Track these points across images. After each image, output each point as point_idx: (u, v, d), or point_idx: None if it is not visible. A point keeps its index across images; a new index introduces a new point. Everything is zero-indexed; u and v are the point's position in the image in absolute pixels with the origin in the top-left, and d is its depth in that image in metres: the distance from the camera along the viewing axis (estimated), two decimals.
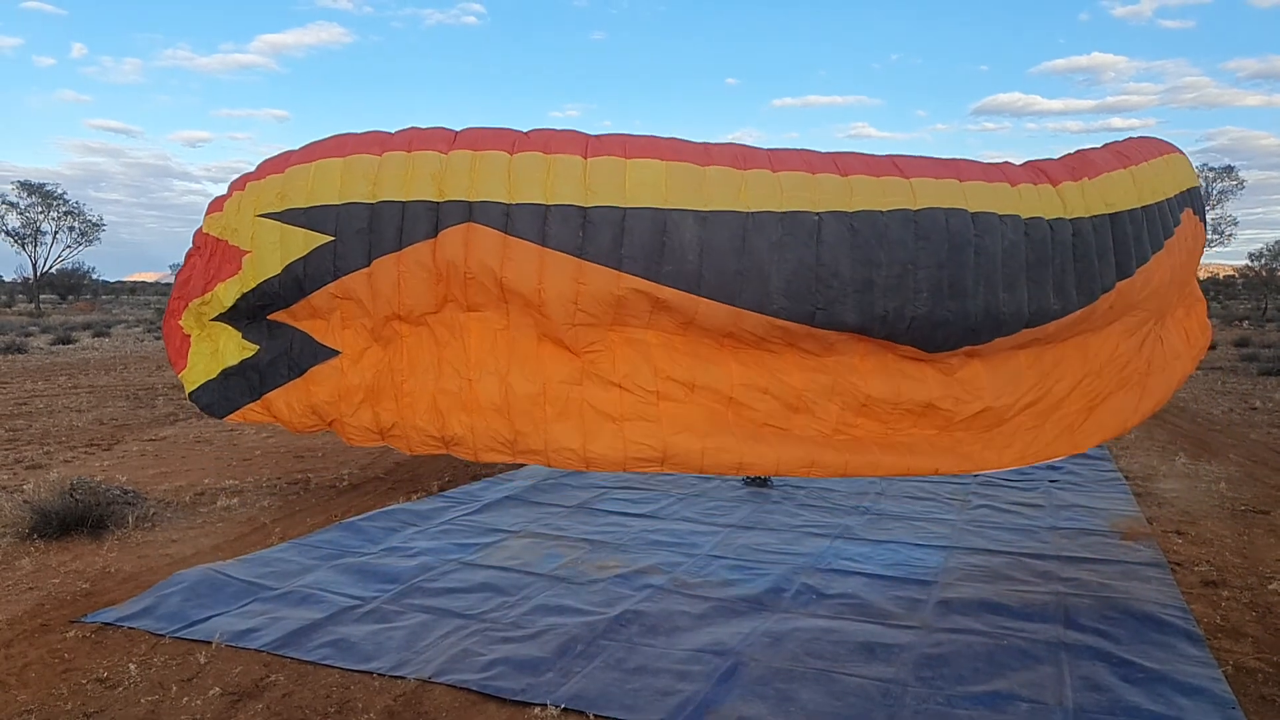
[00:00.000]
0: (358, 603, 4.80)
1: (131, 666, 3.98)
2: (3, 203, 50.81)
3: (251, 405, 5.90)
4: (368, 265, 5.38)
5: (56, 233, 52.86)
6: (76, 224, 53.12)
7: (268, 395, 5.83)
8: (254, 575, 5.15)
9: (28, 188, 51.40)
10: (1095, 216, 5.56)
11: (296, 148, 5.85)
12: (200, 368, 5.95)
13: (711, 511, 6.88)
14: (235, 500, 7.06)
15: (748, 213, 5.10)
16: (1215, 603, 4.98)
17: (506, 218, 5.12)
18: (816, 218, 5.12)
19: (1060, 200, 5.52)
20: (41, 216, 52.00)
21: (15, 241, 51.85)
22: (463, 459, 5.64)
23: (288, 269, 5.53)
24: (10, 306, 53.96)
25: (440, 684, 3.89)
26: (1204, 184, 43.39)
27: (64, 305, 56.89)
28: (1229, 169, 46.53)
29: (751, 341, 5.32)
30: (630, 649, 4.25)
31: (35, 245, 52.40)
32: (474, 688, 3.85)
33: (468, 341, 5.38)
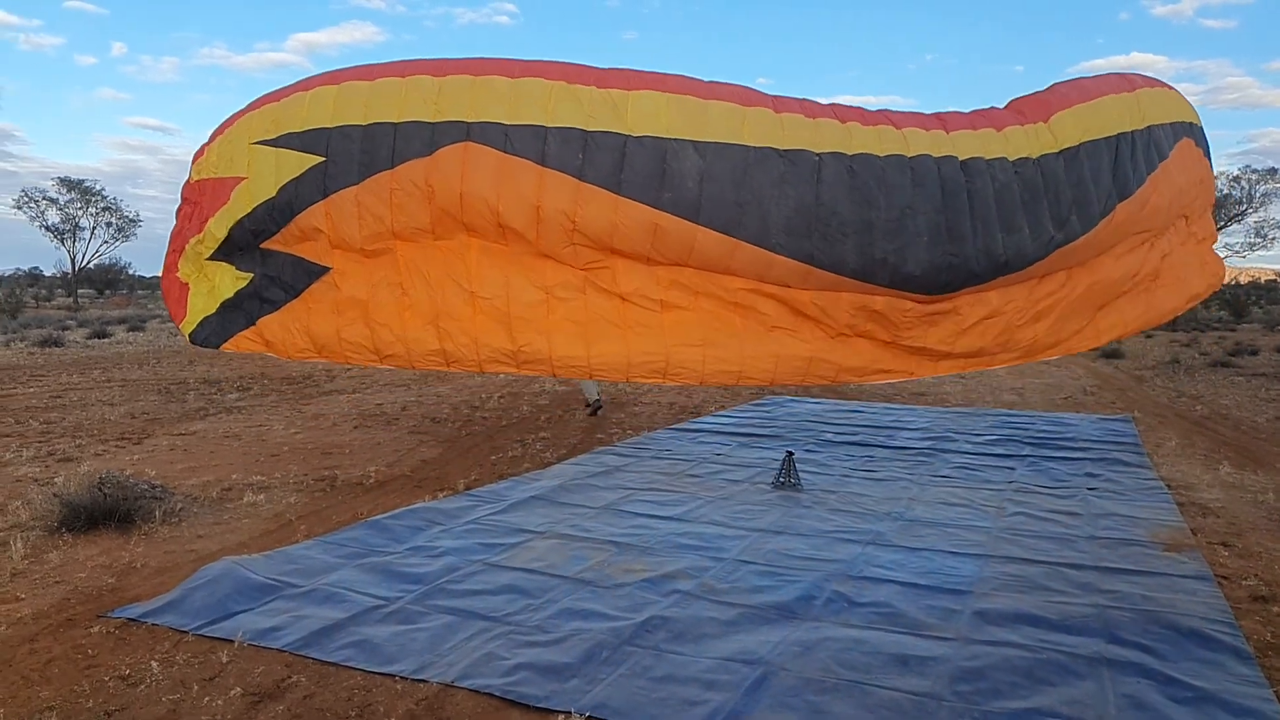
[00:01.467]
0: (381, 603, 4.75)
1: (154, 664, 3.96)
2: (43, 199, 51.79)
3: (245, 333, 5.97)
4: (359, 183, 5.39)
5: (94, 228, 53.83)
6: (114, 220, 54.08)
7: (261, 321, 5.89)
8: (278, 573, 5.12)
9: (67, 184, 52.36)
10: (1088, 142, 5.61)
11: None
12: (198, 307, 6.01)
13: (739, 514, 6.76)
14: (262, 496, 7.05)
15: (749, 147, 5.13)
16: (1265, 619, 4.79)
17: (505, 138, 5.14)
18: (817, 158, 5.15)
19: (1051, 134, 5.57)
20: (80, 212, 52.95)
21: (55, 236, 52.85)
22: (463, 371, 5.67)
23: (282, 190, 5.57)
24: (49, 300, 54.93)
25: (463, 688, 3.82)
26: (1246, 186, 42.52)
27: (101, 300, 57.83)
28: (1272, 171, 45.54)
29: (752, 278, 5.39)
30: (657, 656, 4.16)
31: (74, 240, 53.37)
32: (497, 693, 3.78)
33: (468, 255, 5.39)
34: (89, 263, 55.67)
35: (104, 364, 17.81)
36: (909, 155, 5.26)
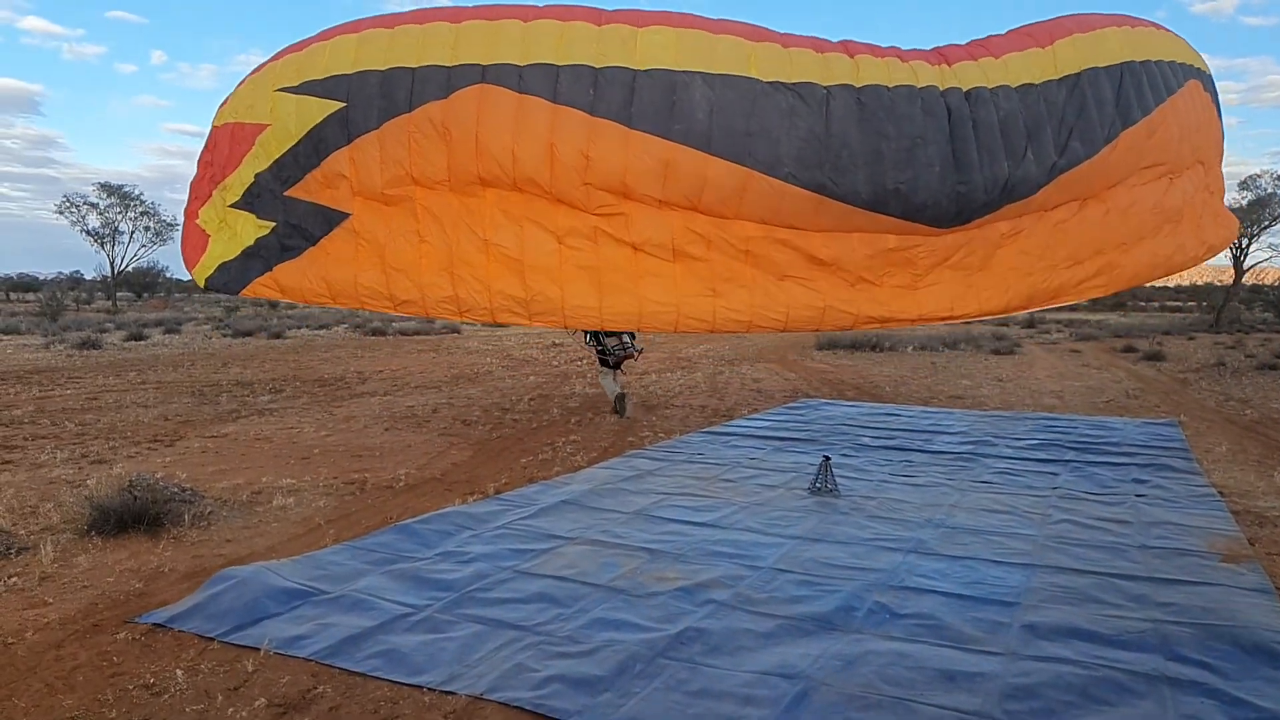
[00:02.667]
0: (410, 610, 4.64)
1: (179, 673, 3.87)
2: (84, 204, 52.64)
3: (261, 279, 6.10)
4: (378, 127, 5.51)
5: (133, 232, 54.56)
6: (151, 224, 54.74)
7: (278, 267, 6.01)
8: (306, 578, 5.03)
9: (107, 189, 53.18)
10: (1090, 70, 5.73)
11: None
12: (217, 253, 6.11)
13: (775, 521, 6.59)
14: (291, 500, 6.99)
15: (758, 79, 5.23)
16: None
17: (519, 78, 5.27)
18: (825, 90, 5.27)
19: (1053, 61, 5.68)
20: (119, 217, 53.72)
21: (95, 240, 53.67)
22: (475, 320, 5.79)
23: (306, 137, 5.71)
24: (89, 304, 55.83)
25: (492, 701, 3.69)
26: None
27: (139, 303, 58.70)
28: None
29: (765, 217, 5.44)
30: (693, 670, 4.01)
31: (113, 244, 54.17)
32: (527, 706, 3.65)
33: (484, 204, 5.48)
34: (128, 266, 56.49)
35: (139, 366, 17.99)
36: (918, 86, 5.34)
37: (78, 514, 5.91)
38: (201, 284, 6.33)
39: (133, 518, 5.79)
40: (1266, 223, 42.13)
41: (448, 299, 5.57)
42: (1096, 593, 5.13)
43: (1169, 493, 7.72)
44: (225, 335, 28.46)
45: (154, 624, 4.42)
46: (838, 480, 7.67)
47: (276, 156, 5.79)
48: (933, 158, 5.27)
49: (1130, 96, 5.80)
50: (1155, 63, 6.06)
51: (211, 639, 4.24)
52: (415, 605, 4.71)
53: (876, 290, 5.68)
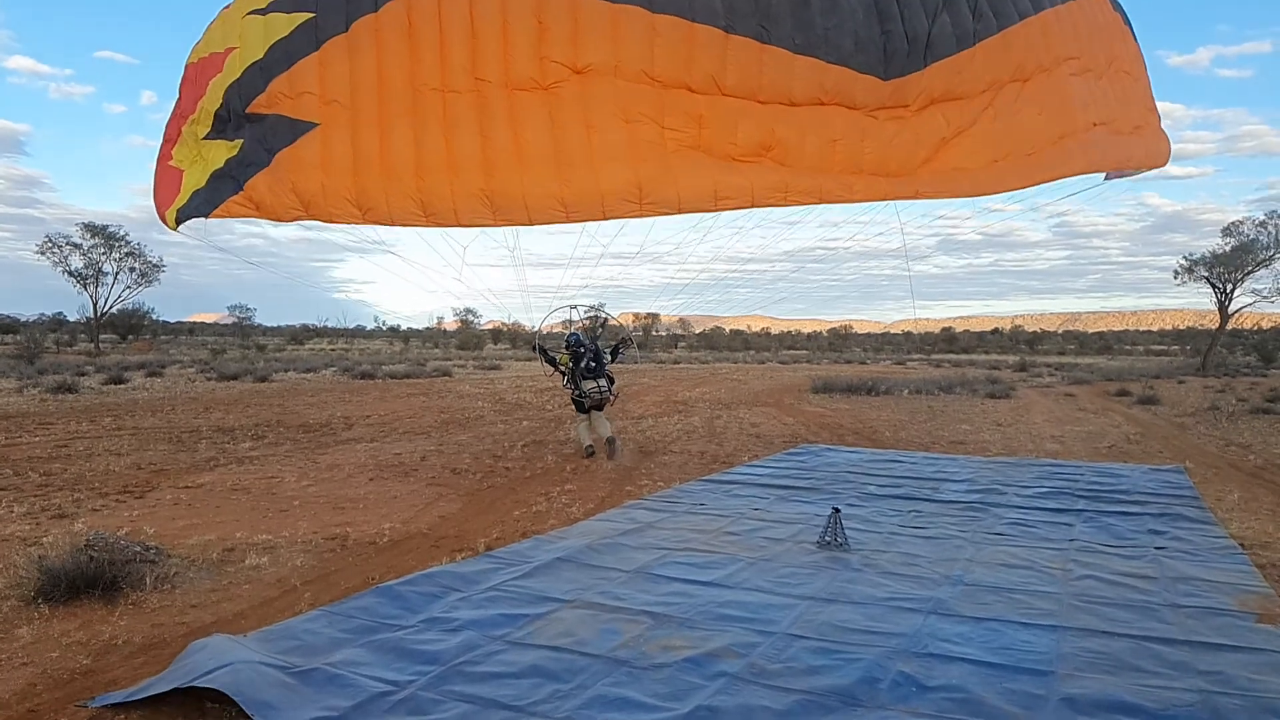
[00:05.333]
0: (390, 688, 4.18)
1: None
2: (67, 244, 52.10)
3: (234, 198, 6.29)
4: (347, 30, 5.70)
5: (118, 273, 53.99)
6: (137, 265, 54.21)
7: (249, 183, 6.16)
8: (276, 651, 4.56)
9: (91, 229, 52.68)
10: None
11: None
12: (189, 184, 6.15)
13: (785, 580, 6.16)
14: (265, 559, 6.50)
15: None
16: None
17: None
18: None
19: None
20: (103, 257, 53.18)
21: (78, 281, 53.03)
22: (440, 226, 5.93)
23: (270, 50, 5.83)
24: (71, 346, 55.08)
25: None
26: (1274, 231, 41.70)
27: (123, 345, 57.97)
28: None
29: (714, 76, 5.80)
30: None
31: (97, 285, 53.54)
32: None
33: (445, 105, 5.66)
34: (112, 308, 55.82)
35: (116, 411, 17.44)
36: None
37: (25, 578, 5.41)
38: (173, 223, 6.41)
39: (86, 582, 5.26)
40: (1249, 268, 42.36)
41: (413, 202, 5.78)
42: (1133, 659, 4.74)
43: (1189, 545, 7.37)
44: (209, 379, 27.92)
45: (101, 706, 3.93)
46: (847, 533, 7.26)
47: (240, 74, 6.06)
48: (855, 5, 5.83)
49: None
50: None
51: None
52: (396, 682, 4.25)
53: (832, 173, 6.10)
